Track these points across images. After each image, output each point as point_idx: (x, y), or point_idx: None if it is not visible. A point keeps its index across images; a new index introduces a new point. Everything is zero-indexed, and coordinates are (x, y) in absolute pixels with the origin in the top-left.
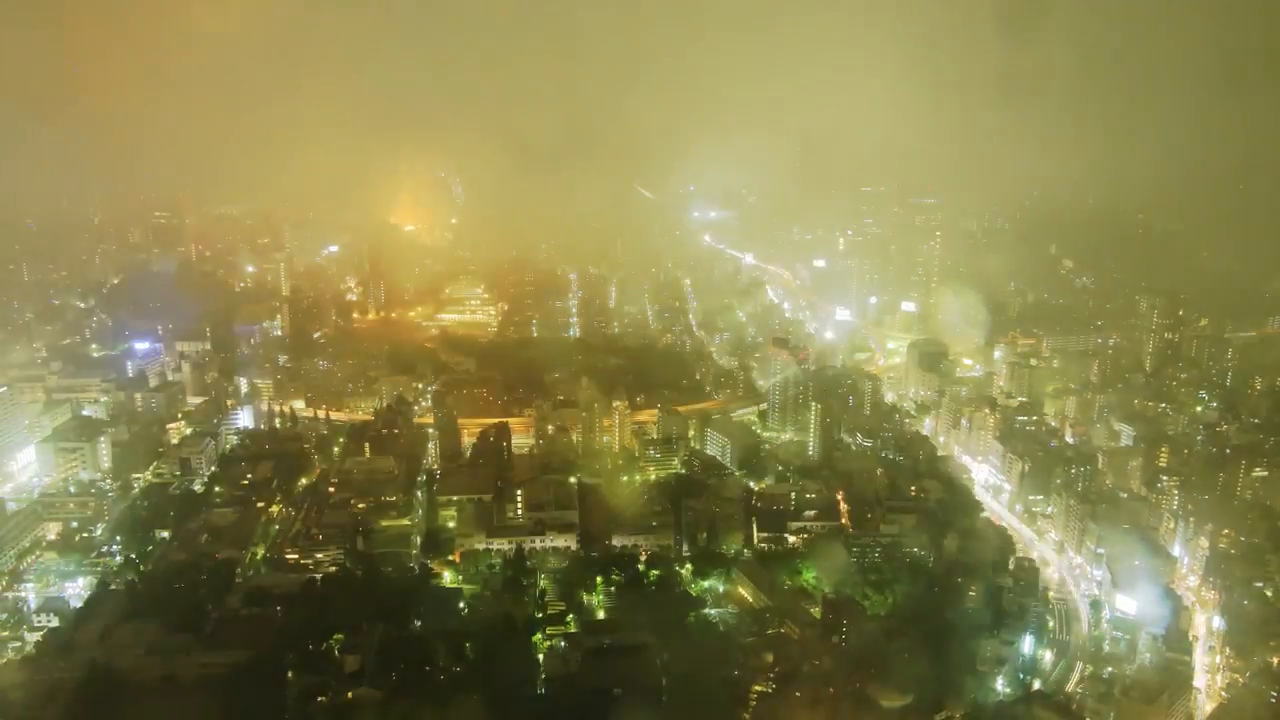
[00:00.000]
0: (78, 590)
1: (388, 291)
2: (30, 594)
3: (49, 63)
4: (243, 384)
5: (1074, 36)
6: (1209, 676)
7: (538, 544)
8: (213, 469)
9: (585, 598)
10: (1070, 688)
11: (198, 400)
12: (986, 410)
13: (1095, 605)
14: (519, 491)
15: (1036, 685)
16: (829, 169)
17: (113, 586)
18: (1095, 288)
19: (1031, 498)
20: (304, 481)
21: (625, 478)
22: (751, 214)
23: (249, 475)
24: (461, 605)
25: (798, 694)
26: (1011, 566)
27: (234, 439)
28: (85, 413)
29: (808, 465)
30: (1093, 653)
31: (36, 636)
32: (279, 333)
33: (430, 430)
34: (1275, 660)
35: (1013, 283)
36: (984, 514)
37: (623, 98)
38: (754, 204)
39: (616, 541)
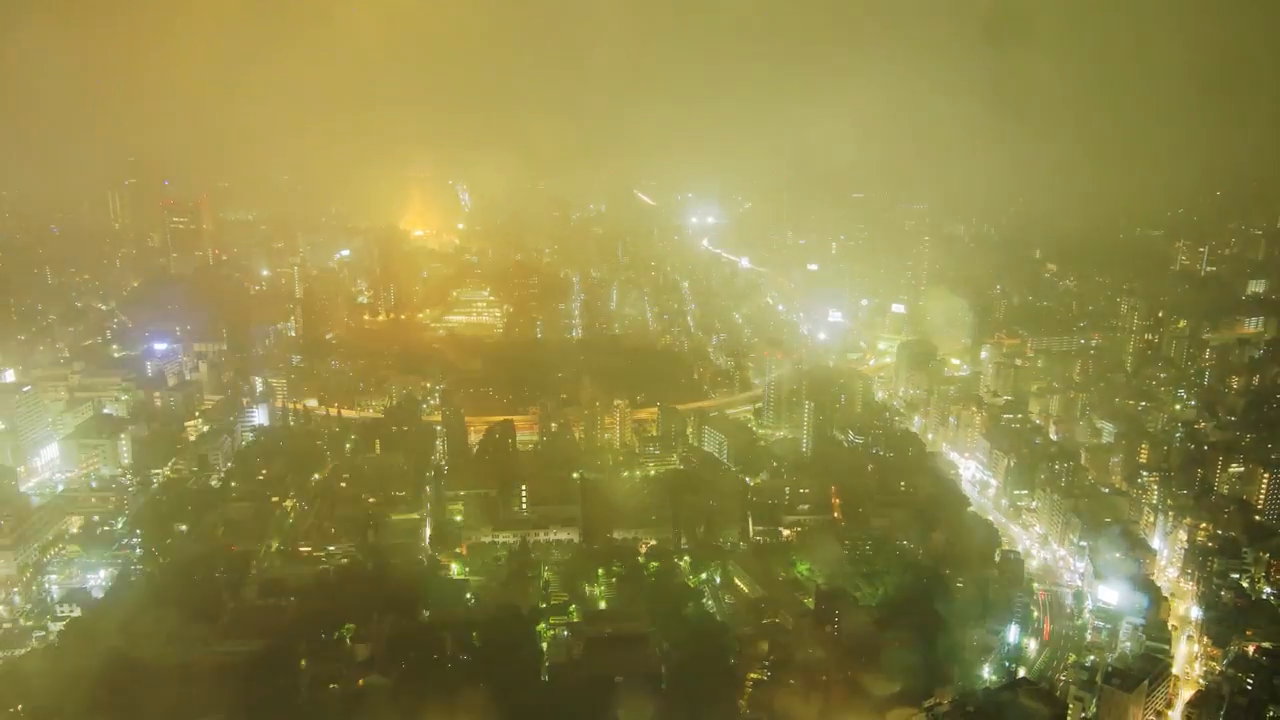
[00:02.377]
0: (99, 581)
1: (397, 294)
2: (54, 585)
3: (72, 73)
4: (258, 383)
5: (1059, 49)
6: (1187, 664)
7: (541, 537)
8: (229, 465)
9: (587, 588)
10: (1054, 675)
11: (214, 399)
12: (973, 408)
13: (1078, 596)
14: (523, 486)
15: (1021, 673)
16: (822, 176)
17: (133, 578)
18: (1078, 290)
19: (1017, 492)
20: (317, 477)
21: (626, 473)
22: (747, 219)
23: (264, 471)
24: (468, 596)
25: (792, 681)
26: (997, 559)
27: (249, 436)
28: (106, 411)
29: (801, 461)
30: (1075, 642)
31: (60, 626)
32: (293, 334)
33: (438, 428)
34: (1251, 649)
35: (998, 285)
36: (971, 508)
37: (624, 107)
38: (750, 209)
39: (617, 534)
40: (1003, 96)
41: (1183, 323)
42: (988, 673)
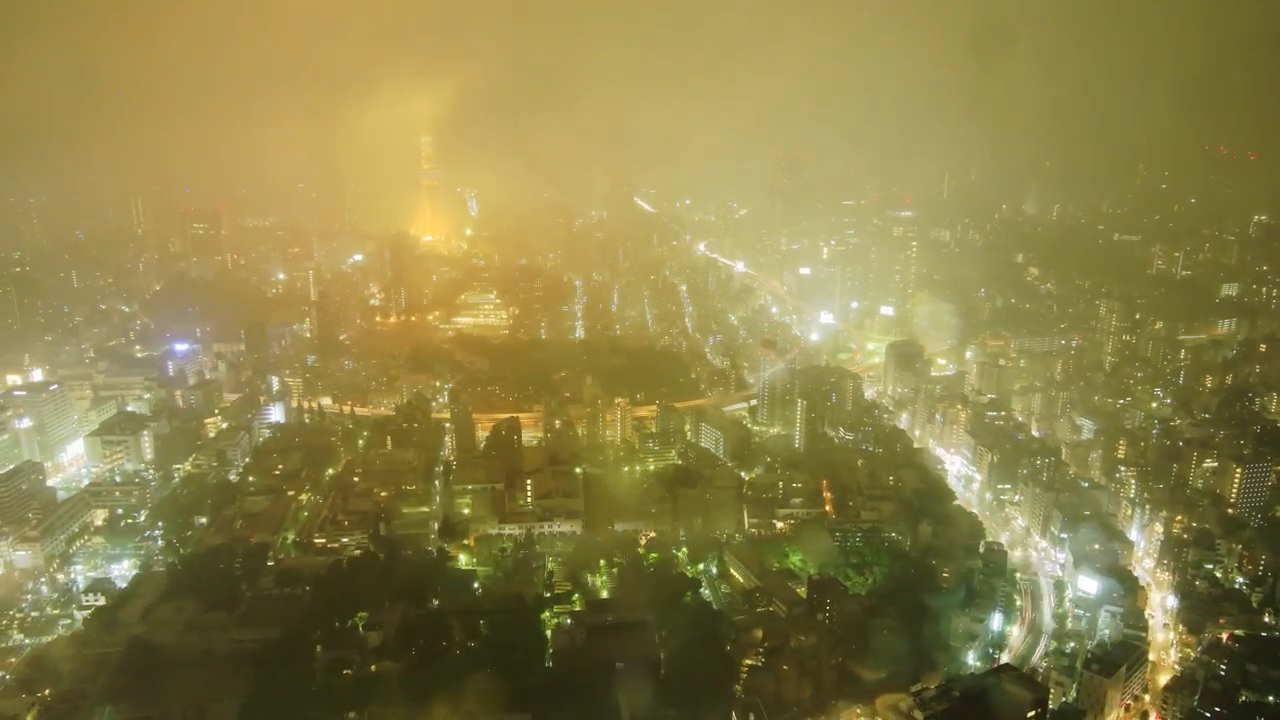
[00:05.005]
0: (122, 571)
1: (408, 297)
2: (79, 575)
3: (94, 85)
4: (274, 382)
5: (1041, 64)
6: (1163, 651)
7: (546, 529)
8: (247, 460)
9: (589, 578)
10: (1035, 661)
11: (233, 397)
12: (958, 406)
13: (1058, 586)
14: (529, 481)
15: (1004, 659)
16: (814, 184)
17: (155, 568)
18: (1058, 293)
19: (1000, 487)
20: (331, 471)
21: (626, 468)
22: (742, 225)
23: (280, 466)
24: (475, 586)
25: (785, 667)
26: (981, 550)
27: (266, 432)
28: (130, 409)
29: (794, 457)
30: (1056, 629)
31: (85, 614)
32: (308, 335)
33: (447, 424)
34: (1224, 636)
35: (982, 289)
36: (956, 502)
37: (626, 116)
38: (745, 216)
39: (618, 527)
40: (989, 109)
41: (1159, 324)
42: (972, 659)
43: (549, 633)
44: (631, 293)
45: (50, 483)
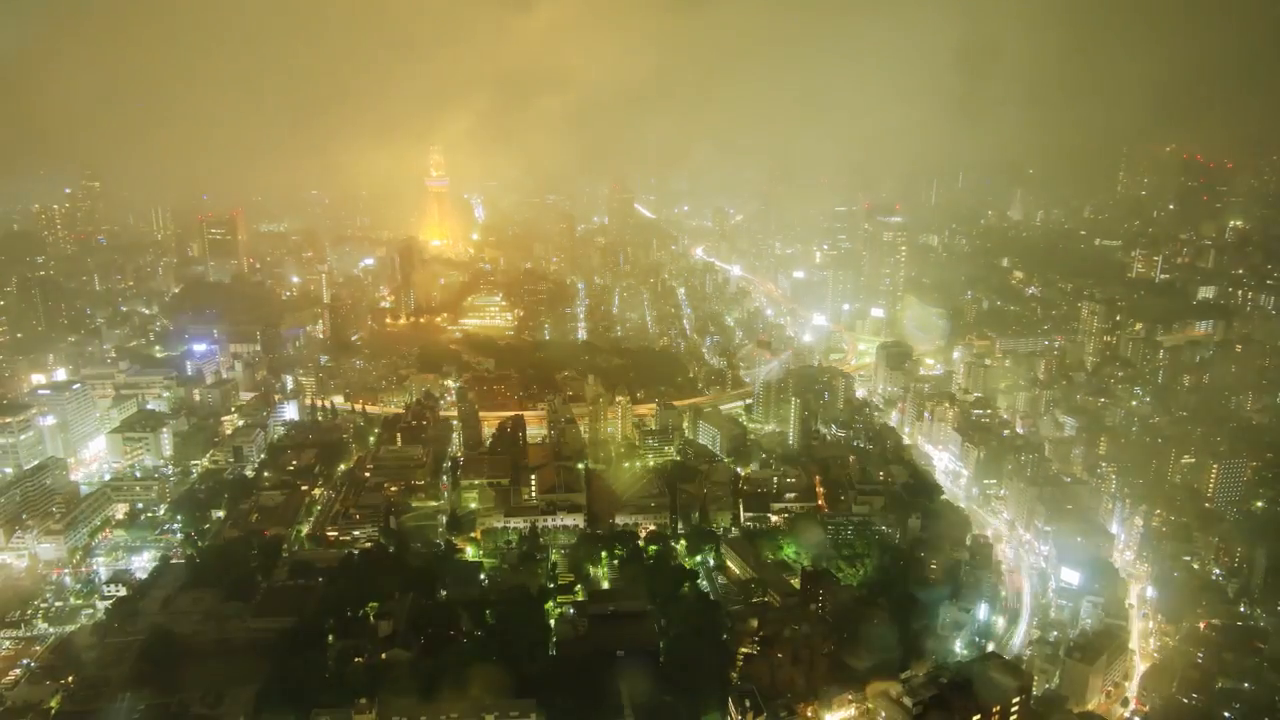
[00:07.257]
0: (143, 563)
1: (417, 299)
2: (101, 567)
3: (112, 98)
4: (288, 381)
5: (1024, 74)
6: (1143, 640)
7: (549, 523)
8: (262, 456)
9: (591, 570)
10: (1020, 650)
11: (249, 395)
12: (946, 404)
13: (1042, 577)
14: (533, 476)
15: (990, 647)
16: (807, 190)
17: (174, 560)
18: (1042, 296)
19: (986, 482)
20: (343, 467)
21: (627, 464)
22: (739, 230)
23: (294, 462)
24: (482, 577)
25: (780, 655)
26: (968, 543)
27: (281, 430)
28: (149, 406)
29: (788, 453)
30: (1040, 619)
31: (107, 604)
32: (321, 336)
33: (454, 422)
34: (1201, 625)
35: (969, 292)
36: (944, 496)
37: (626, 127)
38: (740, 221)
39: (619, 520)
40: (977, 118)
41: (1139, 326)
42: (959, 647)
43: (552, 622)
44: (632, 295)
45: (73, 478)
